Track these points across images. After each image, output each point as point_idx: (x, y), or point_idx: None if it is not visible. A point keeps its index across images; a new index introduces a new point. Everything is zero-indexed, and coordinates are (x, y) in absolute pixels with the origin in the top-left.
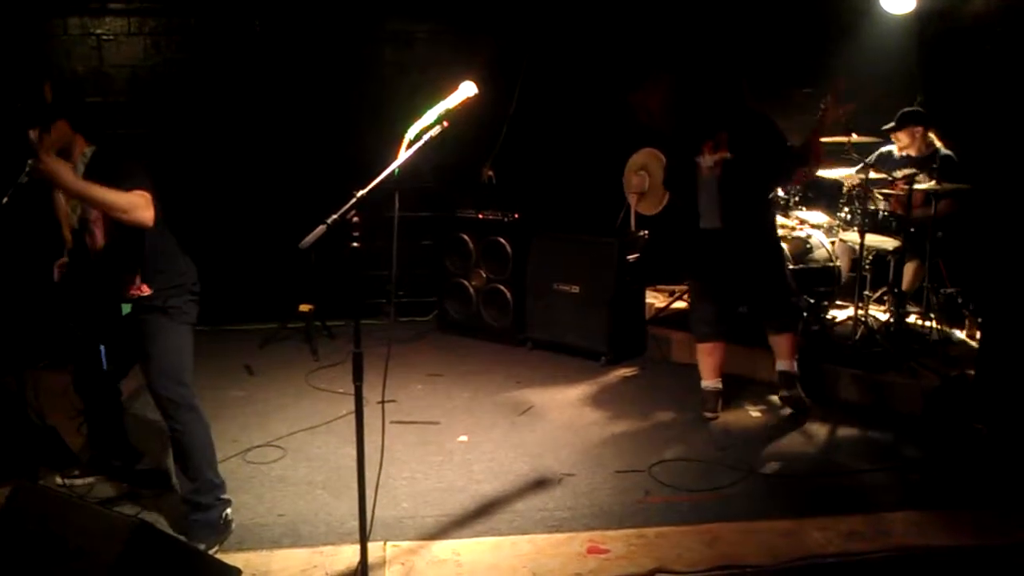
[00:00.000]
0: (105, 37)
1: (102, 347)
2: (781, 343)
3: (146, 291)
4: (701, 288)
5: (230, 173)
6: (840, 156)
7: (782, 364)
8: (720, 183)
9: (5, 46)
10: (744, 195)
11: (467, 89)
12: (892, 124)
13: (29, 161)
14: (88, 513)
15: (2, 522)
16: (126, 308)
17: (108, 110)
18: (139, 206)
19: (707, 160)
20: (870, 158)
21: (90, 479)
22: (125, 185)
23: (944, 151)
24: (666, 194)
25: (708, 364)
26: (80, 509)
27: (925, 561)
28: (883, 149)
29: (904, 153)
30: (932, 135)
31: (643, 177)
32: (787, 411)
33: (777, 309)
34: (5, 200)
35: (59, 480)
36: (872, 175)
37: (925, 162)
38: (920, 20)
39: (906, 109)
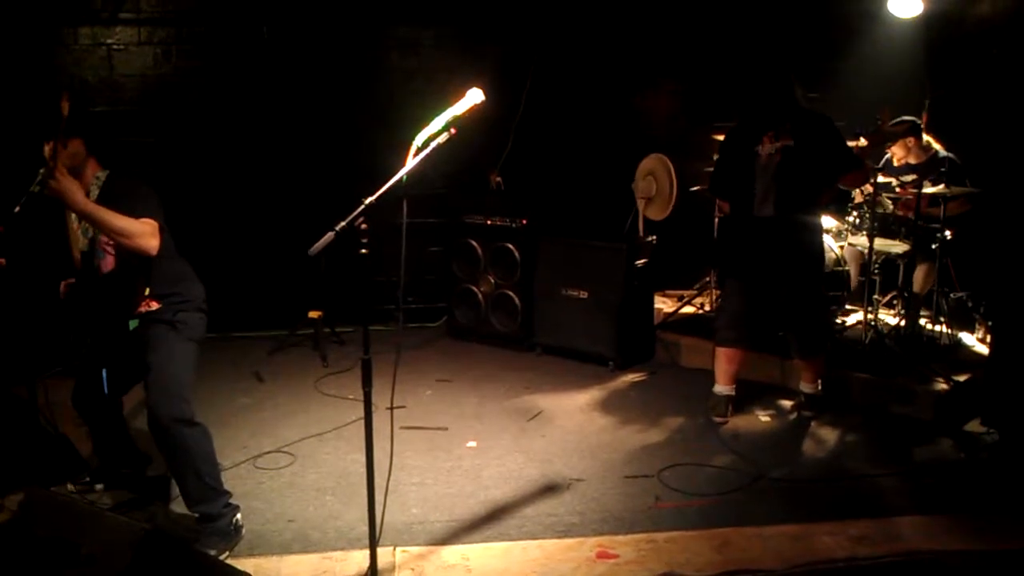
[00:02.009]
0: (115, 47)
1: (104, 371)
2: (809, 367)
3: (155, 306)
4: (736, 287)
5: (239, 180)
6: None
7: (807, 387)
8: (778, 169)
9: (17, 55)
10: (800, 185)
11: (474, 96)
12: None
13: (41, 171)
14: (100, 520)
15: (15, 528)
16: (133, 323)
17: (118, 119)
18: (144, 234)
19: (767, 148)
20: (880, 163)
21: (101, 486)
22: (135, 212)
23: (944, 153)
24: (672, 199)
25: (727, 370)
26: (92, 516)
27: (935, 566)
28: (886, 156)
29: (904, 162)
30: (929, 139)
31: (650, 182)
32: (796, 416)
33: (810, 332)
34: (17, 209)
35: (71, 487)
36: (881, 179)
37: (926, 167)
38: (927, 24)
39: (894, 121)
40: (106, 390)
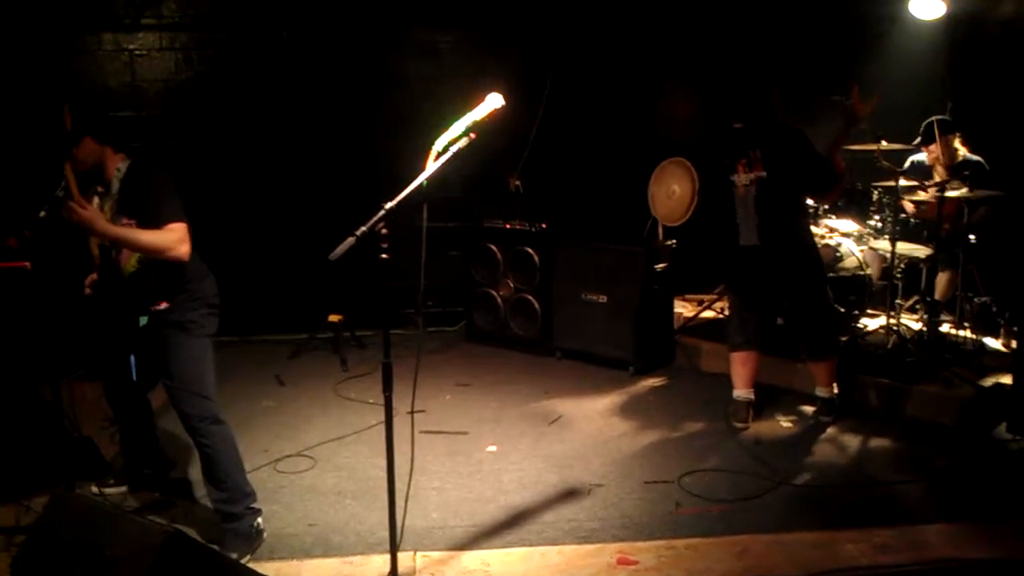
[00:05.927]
0: (138, 52)
1: (132, 358)
2: (821, 370)
3: (163, 305)
4: (740, 301)
5: (260, 184)
6: (872, 164)
7: (822, 391)
8: (756, 201)
9: (40, 62)
10: (780, 212)
11: (494, 100)
12: (920, 137)
13: (66, 174)
14: (123, 522)
15: (39, 530)
16: (142, 320)
17: (141, 124)
18: (174, 243)
19: (742, 179)
20: (905, 165)
21: (124, 488)
22: (160, 216)
23: (973, 157)
24: (691, 207)
25: (741, 374)
26: (115, 518)
27: (959, 574)
28: (914, 158)
29: (936, 163)
30: (956, 142)
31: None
32: (817, 421)
33: (817, 334)
34: (43, 214)
35: (94, 489)
36: (904, 183)
37: (956, 169)
38: (949, 26)
39: (938, 119)
40: (135, 376)
